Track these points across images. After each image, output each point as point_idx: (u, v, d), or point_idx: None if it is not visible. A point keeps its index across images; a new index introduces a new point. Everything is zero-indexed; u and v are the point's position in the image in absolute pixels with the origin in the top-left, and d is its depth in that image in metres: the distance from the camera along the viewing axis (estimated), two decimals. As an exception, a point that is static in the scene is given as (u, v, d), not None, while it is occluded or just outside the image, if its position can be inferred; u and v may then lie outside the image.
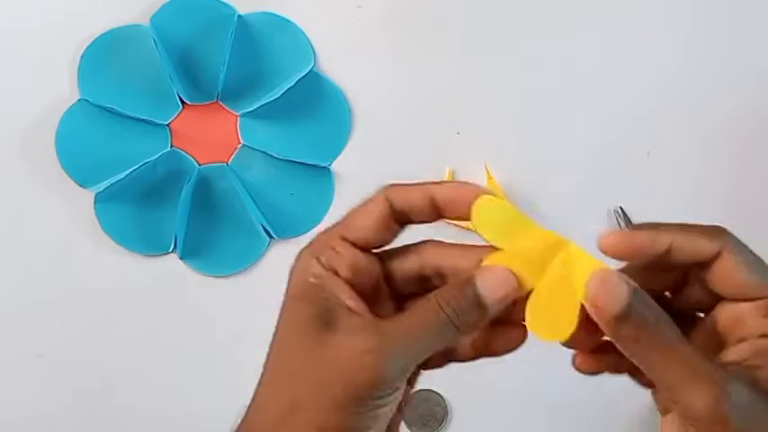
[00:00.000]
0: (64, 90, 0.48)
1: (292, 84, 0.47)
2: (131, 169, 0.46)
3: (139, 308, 0.48)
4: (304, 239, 0.44)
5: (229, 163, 0.49)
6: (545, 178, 0.49)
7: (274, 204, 0.48)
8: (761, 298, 0.29)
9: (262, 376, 0.29)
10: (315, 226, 0.48)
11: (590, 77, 0.50)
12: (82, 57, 0.48)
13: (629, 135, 0.49)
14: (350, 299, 0.29)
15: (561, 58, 0.50)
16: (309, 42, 0.49)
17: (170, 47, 0.48)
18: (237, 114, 0.49)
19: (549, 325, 0.30)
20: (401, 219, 0.30)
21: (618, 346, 0.28)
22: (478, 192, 0.29)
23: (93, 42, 0.48)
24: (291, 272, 0.30)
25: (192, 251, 0.48)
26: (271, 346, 0.29)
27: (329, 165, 0.49)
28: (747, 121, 0.49)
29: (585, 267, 0.29)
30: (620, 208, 0.47)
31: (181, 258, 0.48)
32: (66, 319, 0.47)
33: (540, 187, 0.49)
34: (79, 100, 0.48)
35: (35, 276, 0.48)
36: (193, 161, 0.48)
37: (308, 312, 0.29)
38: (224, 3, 0.49)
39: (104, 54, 0.48)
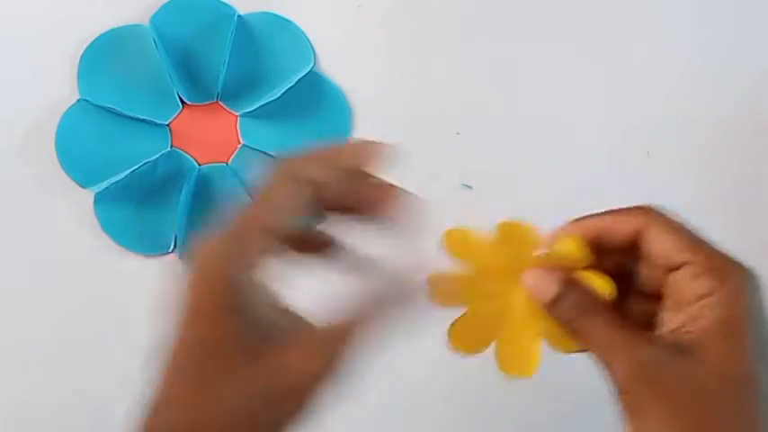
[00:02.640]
0: (63, 90, 0.48)
1: (292, 84, 0.48)
2: (131, 169, 0.46)
3: (139, 308, 0.48)
4: None
5: (229, 163, 0.49)
6: (545, 178, 0.49)
7: None
8: (687, 263, 0.31)
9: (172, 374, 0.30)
10: None
11: (590, 77, 0.50)
12: (81, 57, 0.48)
13: (629, 135, 0.49)
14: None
15: (561, 58, 0.50)
16: (309, 42, 0.49)
17: (170, 47, 0.48)
18: (237, 114, 0.49)
19: (517, 366, 0.34)
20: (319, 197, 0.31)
21: (561, 327, 0.32)
22: (379, 147, 0.33)
23: (92, 42, 0.48)
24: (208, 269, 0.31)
25: (188, 250, 0.47)
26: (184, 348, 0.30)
27: None
28: (748, 122, 0.49)
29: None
30: None
31: (180, 258, 0.47)
32: (66, 319, 0.47)
33: (540, 187, 0.49)
34: (79, 100, 0.48)
35: (34, 276, 0.48)
36: (193, 161, 0.48)
37: (241, 327, 0.30)
38: (224, 3, 0.49)
39: (104, 54, 0.48)
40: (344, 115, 0.49)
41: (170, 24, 0.48)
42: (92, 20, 0.48)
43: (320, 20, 0.51)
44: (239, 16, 0.49)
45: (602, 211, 0.34)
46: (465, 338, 0.34)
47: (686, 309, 0.32)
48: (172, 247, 0.48)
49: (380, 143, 0.33)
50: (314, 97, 0.49)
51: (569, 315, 0.32)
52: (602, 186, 0.48)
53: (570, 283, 0.32)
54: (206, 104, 0.49)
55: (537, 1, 0.51)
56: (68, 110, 0.48)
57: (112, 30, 0.48)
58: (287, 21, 0.49)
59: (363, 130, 0.49)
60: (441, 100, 0.50)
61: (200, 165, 0.48)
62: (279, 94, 0.47)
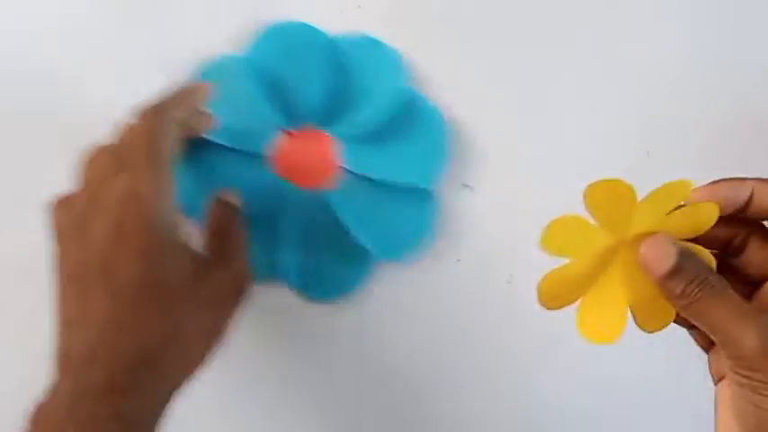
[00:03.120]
0: None
1: (389, 105, 0.46)
2: None
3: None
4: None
5: (329, 188, 0.48)
6: (545, 178, 0.49)
7: (377, 228, 0.47)
8: None
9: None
10: (419, 248, 0.48)
11: (590, 77, 0.50)
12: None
13: (629, 135, 0.49)
14: None
15: (561, 58, 0.50)
16: (402, 62, 0.49)
17: (265, 75, 0.47)
18: (335, 138, 0.48)
19: (598, 330, 0.33)
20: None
21: (671, 302, 0.31)
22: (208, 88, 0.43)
23: (189, 73, 0.48)
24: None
25: (296, 278, 0.47)
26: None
27: (430, 186, 0.48)
28: (748, 122, 0.49)
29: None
30: None
31: (284, 286, 0.47)
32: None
33: (539, 187, 0.49)
34: None
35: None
36: (293, 188, 0.47)
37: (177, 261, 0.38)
38: (315, 27, 0.49)
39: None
40: (442, 134, 0.48)
41: (264, 53, 0.48)
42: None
43: (320, 20, 0.51)
44: (331, 40, 0.48)
45: (754, 177, 0.33)
46: (552, 291, 0.33)
47: None
48: (274, 274, 0.47)
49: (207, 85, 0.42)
50: (411, 117, 0.48)
51: (687, 288, 0.31)
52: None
53: (688, 255, 0.31)
54: (303, 130, 0.48)
55: (537, 1, 0.51)
56: None
57: (207, 60, 0.48)
58: (378, 42, 0.49)
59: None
60: (440, 100, 0.50)
61: (300, 191, 0.48)
62: (376, 117, 0.46)
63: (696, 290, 0.31)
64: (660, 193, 0.32)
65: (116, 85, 0.49)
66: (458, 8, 0.51)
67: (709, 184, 0.33)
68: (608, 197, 0.32)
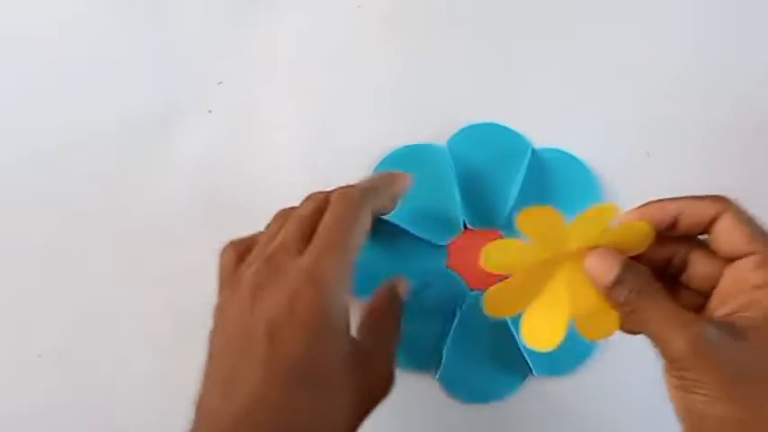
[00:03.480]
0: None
1: None
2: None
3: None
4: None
5: None
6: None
7: None
8: (755, 253, 0.33)
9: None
10: (577, 364, 0.47)
11: (590, 77, 0.50)
12: (376, 167, 0.48)
13: (629, 135, 0.49)
14: None
15: (561, 58, 0.50)
16: (598, 184, 0.48)
17: (462, 169, 0.47)
18: None
19: (539, 337, 0.36)
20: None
21: (616, 309, 0.34)
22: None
23: (388, 155, 0.48)
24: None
25: (450, 373, 0.46)
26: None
27: None
28: (748, 121, 0.49)
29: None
30: None
31: (437, 379, 0.46)
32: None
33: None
34: None
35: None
36: (465, 285, 0.47)
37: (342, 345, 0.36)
38: (520, 134, 0.48)
39: (397, 166, 0.48)
40: None
41: (465, 148, 0.48)
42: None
43: (320, 20, 0.51)
44: (533, 150, 0.48)
45: (680, 196, 0.35)
46: (497, 301, 0.37)
47: (740, 296, 0.33)
48: (429, 364, 0.46)
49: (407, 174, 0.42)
50: None
51: (629, 297, 0.33)
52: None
53: (629, 266, 0.34)
54: (487, 231, 0.48)
55: (538, 2, 0.51)
56: None
57: (408, 146, 0.48)
58: (578, 161, 0.48)
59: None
60: (441, 100, 0.50)
61: (471, 290, 0.47)
62: None
63: (636, 298, 0.33)
64: (589, 215, 0.34)
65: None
66: (457, 8, 0.51)
67: (638, 206, 0.35)
68: (537, 220, 0.35)
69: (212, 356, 0.36)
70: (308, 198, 0.40)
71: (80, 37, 0.51)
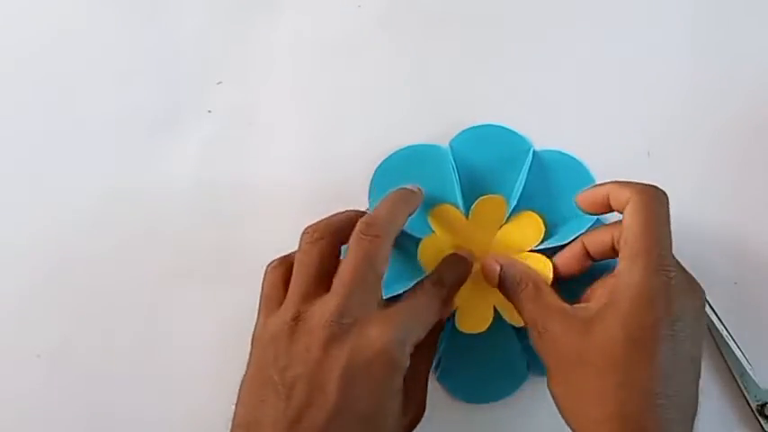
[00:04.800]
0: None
1: (583, 231, 0.45)
2: (411, 286, 0.44)
3: None
4: None
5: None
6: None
7: None
8: (626, 244, 0.37)
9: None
10: None
11: (590, 77, 0.50)
12: (377, 169, 0.48)
13: (629, 135, 0.49)
14: None
15: (561, 57, 0.50)
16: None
17: (463, 170, 0.47)
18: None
19: (471, 324, 0.45)
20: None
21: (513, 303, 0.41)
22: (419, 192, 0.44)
23: (390, 154, 0.48)
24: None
25: (449, 373, 0.46)
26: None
27: None
28: (749, 121, 0.49)
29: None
30: None
31: (437, 378, 0.46)
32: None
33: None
34: (367, 209, 0.47)
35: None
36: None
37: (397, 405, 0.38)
38: (521, 136, 0.48)
39: (398, 168, 0.48)
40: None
41: (467, 149, 0.48)
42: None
43: (320, 20, 0.51)
44: (534, 151, 0.48)
45: (611, 181, 0.41)
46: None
47: (600, 285, 0.40)
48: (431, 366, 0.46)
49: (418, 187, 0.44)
50: None
51: (507, 292, 0.42)
52: None
53: (509, 265, 0.42)
54: None
55: (538, 1, 0.51)
56: None
57: (410, 146, 0.48)
58: (579, 163, 0.48)
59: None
60: (442, 101, 0.50)
61: None
62: (567, 240, 0.45)
63: (511, 292, 0.41)
64: (483, 209, 0.45)
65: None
66: (458, 8, 0.51)
67: (583, 190, 0.42)
68: (442, 218, 0.45)
69: (251, 394, 0.37)
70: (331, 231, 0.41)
71: (80, 37, 0.51)
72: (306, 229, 0.41)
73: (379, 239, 0.39)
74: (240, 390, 0.38)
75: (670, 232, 0.37)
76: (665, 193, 0.38)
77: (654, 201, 0.38)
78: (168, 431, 0.47)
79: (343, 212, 0.42)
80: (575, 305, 0.39)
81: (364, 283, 0.38)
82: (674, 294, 0.36)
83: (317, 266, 0.39)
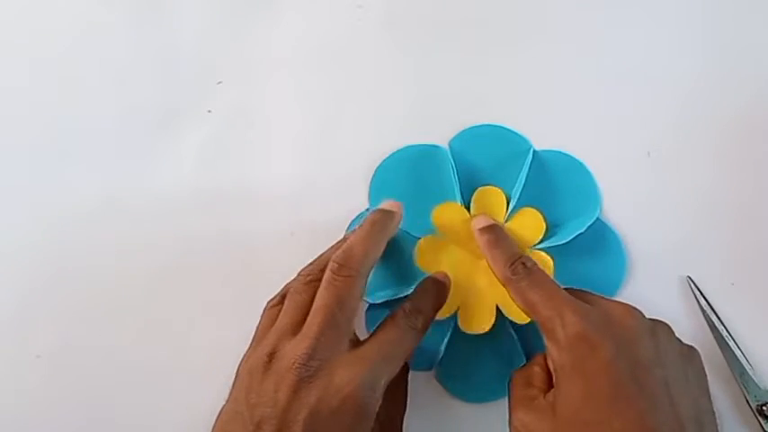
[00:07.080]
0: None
1: (582, 230, 0.45)
2: (406, 286, 0.45)
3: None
4: None
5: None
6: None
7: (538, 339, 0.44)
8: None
9: None
10: None
11: (590, 78, 0.50)
12: (377, 168, 0.48)
13: (629, 135, 0.49)
14: None
15: (561, 58, 0.50)
16: (598, 188, 0.48)
17: (463, 170, 0.47)
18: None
19: (474, 324, 0.44)
20: None
21: (506, 286, 0.41)
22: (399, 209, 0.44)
23: (390, 154, 0.48)
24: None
25: (450, 372, 0.46)
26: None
27: None
28: (749, 121, 0.49)
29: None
30: (689, 277, 0.47)
31: (437, 378, 0.46)
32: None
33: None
34: (367, 209, 0.47)
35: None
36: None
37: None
38: (521, 135, 0.48)
39: (398, 168, 0.48)
40: (621, 263, 0.47)
41: (467, 149, 0.48)
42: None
43: (320, 20, 0.51)
44: (534, 151, 0.48)
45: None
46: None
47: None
48: (428, 364, 0.46)
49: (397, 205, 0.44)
50: (595, 243, 0.47)
51: (516, 287, 0.40)
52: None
53: (504, 237, 0.43)
54: None
55: (537, 2, 0.51)
56: (356, 218, 0.47)
57: (409, 146, 0.48)
58: (579, 163, 0.48)
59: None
60: (442, 101, 0.50)
61: None
62: (567, 239, 0.45)
63: (518, 290, 0.40)
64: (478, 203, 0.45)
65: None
66: (458, 8, 0.51)
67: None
68: (446, 217, 0.45)
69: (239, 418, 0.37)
70: (307, 278, 0.41)
71: (80, 37, 0.51)
72: (301, 270, 0.41)
73: (350, 279, 0.38)
74: (216, 418, 0.38)
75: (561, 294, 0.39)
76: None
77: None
78: (168, 431, 0.47)
79: (340, 247, 0.41)
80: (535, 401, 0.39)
81: (334, 326, 0.37)
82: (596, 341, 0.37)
83: (306, 308, 0.39)
